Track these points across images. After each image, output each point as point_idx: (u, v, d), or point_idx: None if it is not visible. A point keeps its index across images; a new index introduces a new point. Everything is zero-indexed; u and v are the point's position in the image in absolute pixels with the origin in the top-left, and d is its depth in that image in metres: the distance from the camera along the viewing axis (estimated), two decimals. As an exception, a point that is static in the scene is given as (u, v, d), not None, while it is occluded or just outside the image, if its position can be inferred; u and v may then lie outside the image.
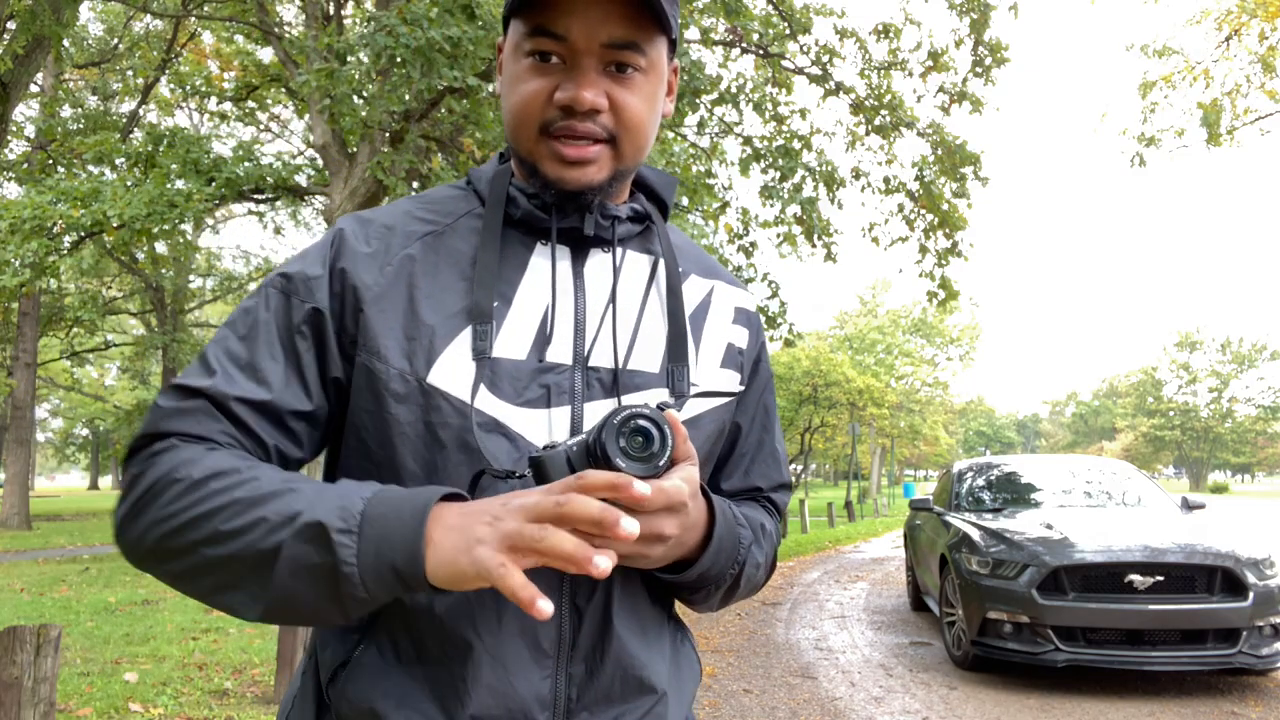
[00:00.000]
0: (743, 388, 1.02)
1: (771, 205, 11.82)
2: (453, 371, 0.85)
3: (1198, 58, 12.94)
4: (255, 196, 12.59)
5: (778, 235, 12.03)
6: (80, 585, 9.71)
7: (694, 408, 0.95)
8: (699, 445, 0.92)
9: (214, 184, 10.86)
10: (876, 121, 11.53)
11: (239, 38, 17.87)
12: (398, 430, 0.85)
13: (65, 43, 17.31)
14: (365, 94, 9.36)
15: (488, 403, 0.85)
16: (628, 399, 0.90)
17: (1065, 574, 5.52)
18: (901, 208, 12.05)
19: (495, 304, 0.88)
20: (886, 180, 12.00)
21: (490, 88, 9.16)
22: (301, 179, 13.07)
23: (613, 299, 0.92)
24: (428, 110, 10.17)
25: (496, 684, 0.83)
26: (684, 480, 0.77)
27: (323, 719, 0.88)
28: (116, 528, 0.81)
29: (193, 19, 18.53)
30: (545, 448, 0.79)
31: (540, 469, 0.77)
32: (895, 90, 11.62)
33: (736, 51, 11.82)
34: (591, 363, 0.90)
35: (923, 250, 11.99)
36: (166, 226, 10.22)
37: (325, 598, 0.73)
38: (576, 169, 0.87)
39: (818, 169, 11.59)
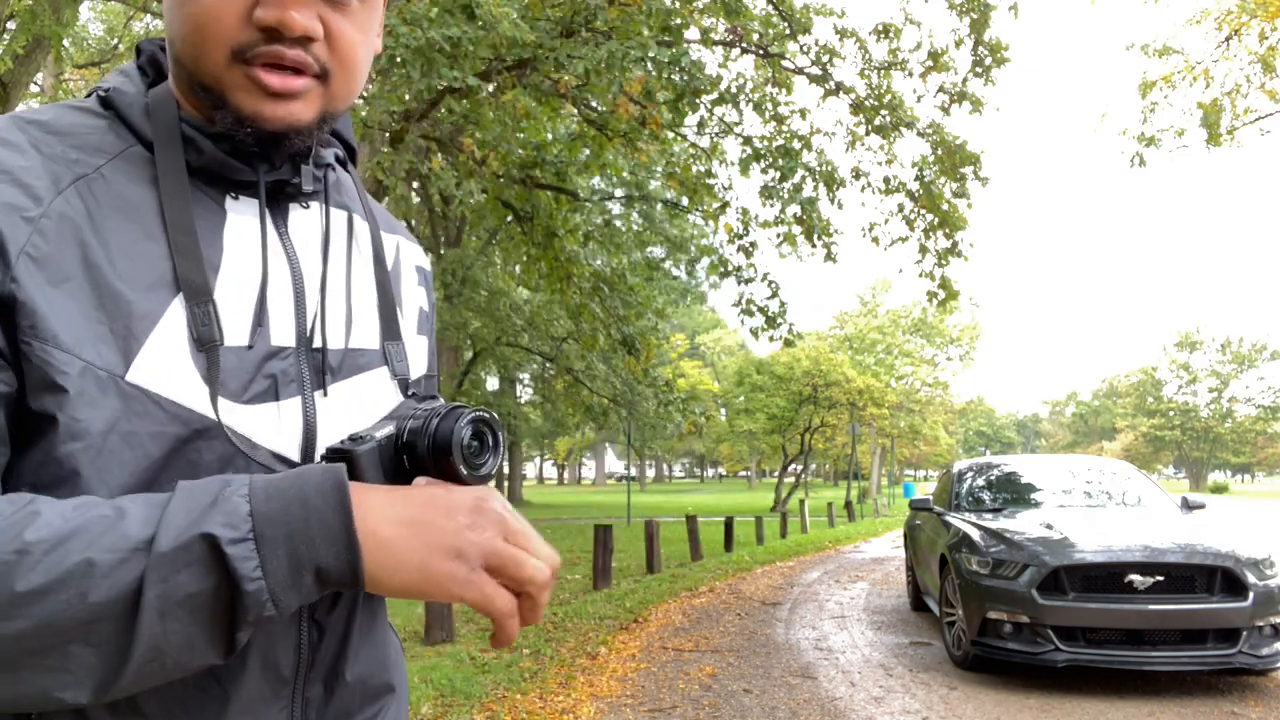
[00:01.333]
0: (429, 353, 0.94)
1: (771, 205, 11.81)
2: (164, 366, 0.67)
3: (1198, 58, 12.94)
4: (255, 196, 12.59)
5: (778, 235, 12.02)
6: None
7: (412, 375, 0.87)
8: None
9: (214, 184, 10.86)
10: (876, 121, 11.52)
11: (239, 38, 17.90)
12: (86, 441, 0.64)
13: (65, 43, 17.30)
14: (365, 94, 9.36)
15: (206, 405, 0.69)
16: (350, 383, 0.80)
17: (1065, 574, 5.53)
18: (901, 208, 12.05)
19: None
20: (886, 180, 11.99)
21: (490, 87, 9.17)
22: (301, 179, 13.06)
23: (325, 262, 0.80)
24: (428, 110, 10.17)
25: None
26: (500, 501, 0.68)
27: None
28: None
29: (193, 19, 18.51)
30: (350, 439, 0.70)
31: (351, 464, 0.67)
32: (895, 90, 11.61)
33: (736, 51, 11.82)
34: (317, 343, 0.77)
35: (923, 250, 11.98)
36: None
37: (207, 635, 0.59)
38: (282, 104, 0.72)
39: (818, 169, 11.59)
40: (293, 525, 0.60)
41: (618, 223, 16.27)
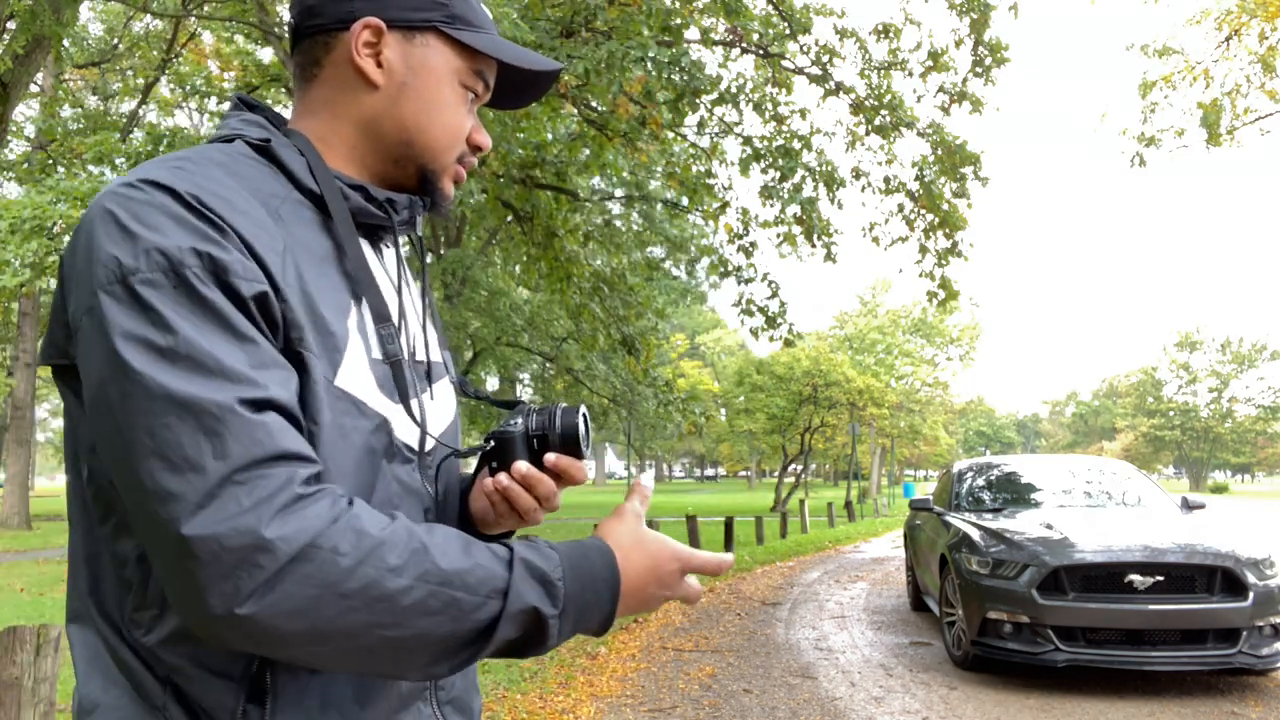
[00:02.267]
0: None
1: (771, 205, 11.81)
2: (356, 375, 0.84)
3: (1198, 58, 12.94)
4: (255, 196, 12.60)
5: (778, 235, 12.02)
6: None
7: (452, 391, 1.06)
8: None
9: (214, 184, 10.87)
10: (876, 121, 11.52)
11: (239, 38, 17.89)
12: (324, 431, 0.79)
13: (65, 43, 17.29)
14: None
15: (381, 403, 0.86)
16: (437, 387, 1.00)
17: (1065, 574, 5.53)
18: (901, 208, 12.04)
19: (354, 304, 0.88)
20: (886, 180, 11.99)
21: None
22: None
23: (424, 292, 1.03)
24: (428, 110, 10.15)
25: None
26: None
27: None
28: (245, 605, 0.68)
29: (193, 19, 18.52)
30: (503, 427, 0.95)
31: (504, 444, 0.94)
32: (895, 90, 11.60)
33: (736, 51, 11.82)
34: (418, 357, 0.97)
35: (923, 250, 11.98)
36: (166, 226, 10.22)
37: (481, 654, 0.79)
38: (454, 189, 1.01)
39: (818, 169, 11.58)
40: (585, 604, 0.81)
41: (618, 223, 16.29)
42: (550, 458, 0.93)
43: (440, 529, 0.79)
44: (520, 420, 0.96)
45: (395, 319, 0.91)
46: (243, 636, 0.70)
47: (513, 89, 1.03)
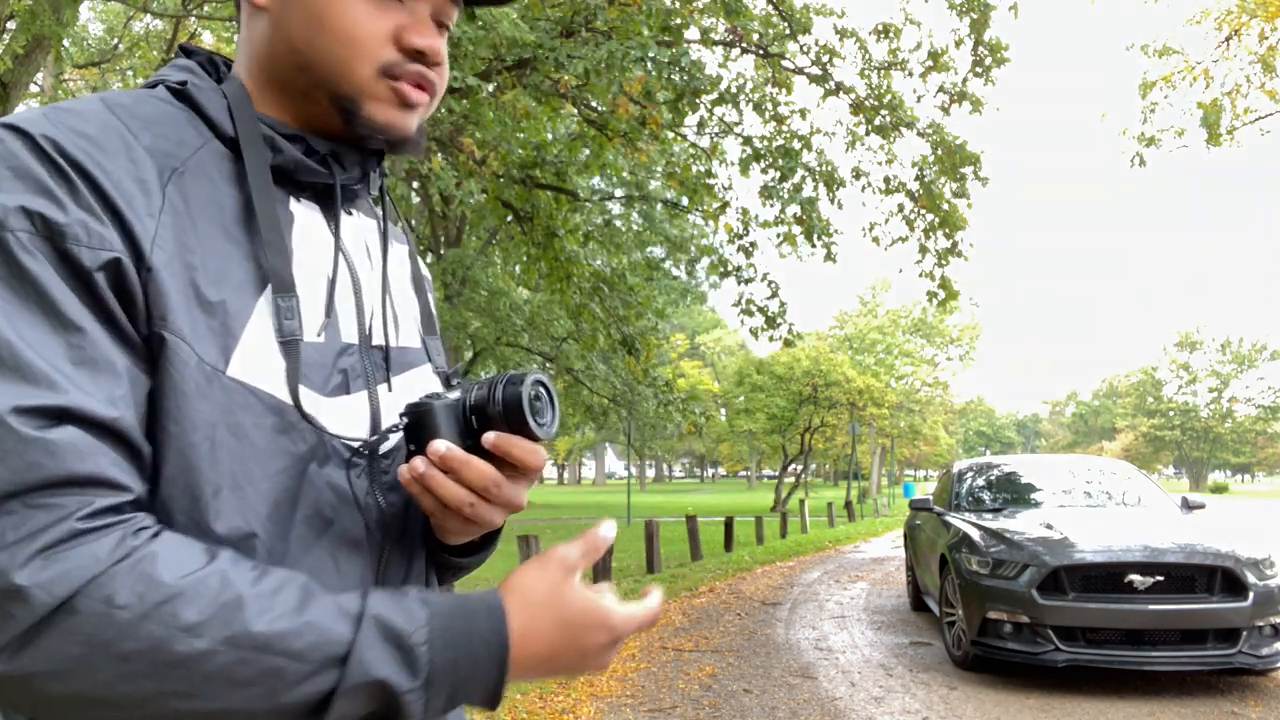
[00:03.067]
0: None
1: (771, 205, 11.81)
2: (258, 361, 0.69)
3: (1198, 58, 12.93)
4: (255, 196, 12.58)
5: (778, 235, 12.02)
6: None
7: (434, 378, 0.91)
8: None
9: (214, 184, 10.86)
10: (876, 121, 11.52)
11: (239, 37, 17.88)
12: (198, 432, 0.66)
13: (65, 43, 17.30)
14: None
15: (289, 397, 0.71)
16: (403, 378, 0.85)
17: (1065, 574, 5.52)
18: (901, 208, 12.04)
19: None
20: (886, 180, 11.99)
21: (490, 87, 9.17)
22: (301, 179, 13.04)
23: (384, 267, 0.85)
24: (428, 110, 10.14)
25: None
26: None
27: None
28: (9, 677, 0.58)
29: (193, 19, 18.52)
30: (426, 397, 0.77)
31: (425, 419, 0.75)
32: (895, 90, 11.61)
33: (736, 51, 11.82)
34: (375, 341, 0.82)
35: (923, 250, 11.98)
36: (166, 226, 10.22)
37: None
38: (408, 114, 0.79)
39: (818, 169, 11.58)
40: (459, 675, 0.66)
41: (618, 223, 16.29)
42: (489, 437, 0.73)
43: (276, 574, 0.63)
44: (458, 393, 0.77)
45: (328, 294, 0.77)
46: (5, 698, 0.59)
47: None
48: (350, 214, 0.84)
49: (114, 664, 0.57)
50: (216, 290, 0.68)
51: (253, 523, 0.68)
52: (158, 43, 21.17)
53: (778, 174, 11.35)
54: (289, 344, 0.71)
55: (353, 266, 0.82)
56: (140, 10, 15.96)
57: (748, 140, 11.65)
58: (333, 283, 0.78)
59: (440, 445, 0.72)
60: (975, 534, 6.34)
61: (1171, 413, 76.38)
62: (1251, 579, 5.41)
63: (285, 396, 0.71)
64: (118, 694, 0.58)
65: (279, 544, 0.70)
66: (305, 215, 0.79)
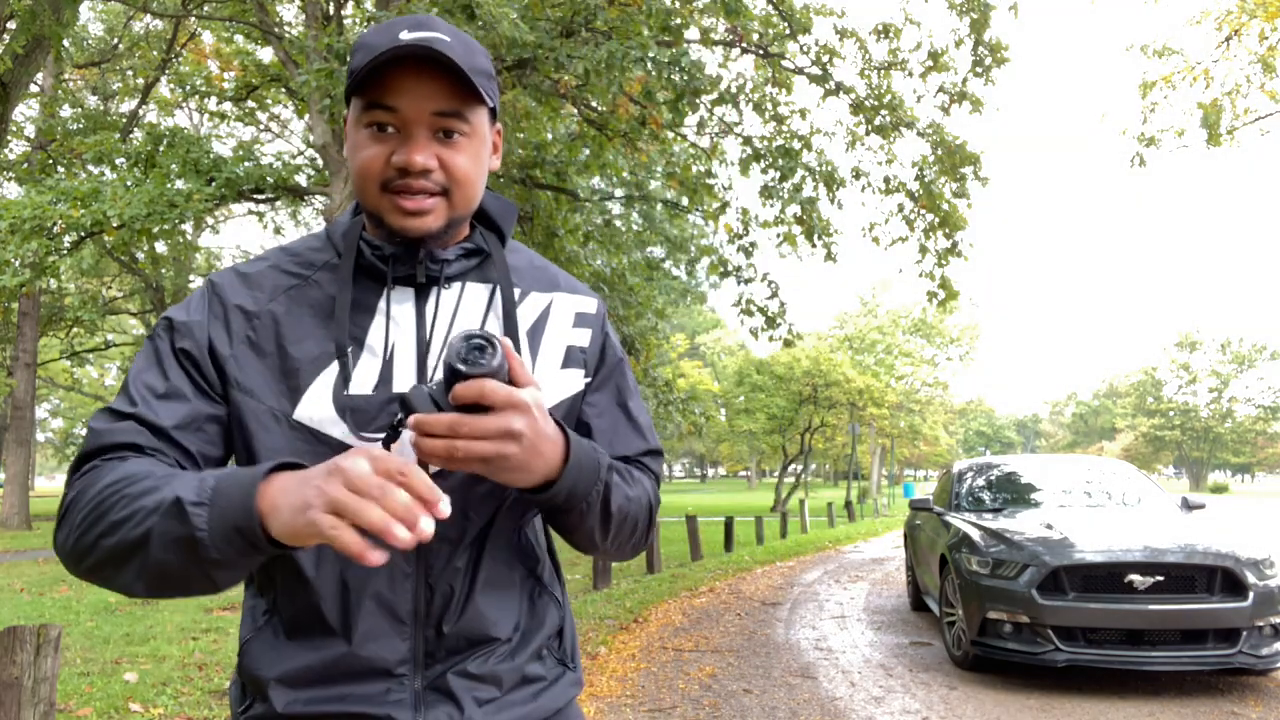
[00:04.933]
0: (588, 379, 1.17)
1: (771, 205, 11.82)
2: (315, 408, 1.02)
3: (1198, 58, 12.93)
4: (255, 196, 12.59)
5: (778, 235, 12.03)
6: (80, 585, 9.70)
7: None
8: None
9: (214, 184, 10.86)
10: (876, 121, 11.52)
11: (239, 38, 17.87)
12: (265, 455, 1.01)
13: (65, 43, 17.30)
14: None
15: (342, 433, 1.02)
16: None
17: (1065, 574, 5.52)
18: (901, 208, 12.05)
19: (350, 347, 1.04)
20: (886, 180, 11.99)
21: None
22: (301, 179, 13.06)
23: (448, 331, 1.08)
24: (428, 110, 10.13)
25: (363, 648, 1.02)
26: (529, 391, 0.91)
27: (243, 684, 1.08)
28: (57, 552, 0.97)
29: (193, 19, 18.52)
30: (413, 388, 0.91)
31: (406, 402, 0.90)
32: (895, 90, 11.61)
33: (736, 51, 11.82)
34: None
35: (923, 250, 11.98)
36: (166, 226, 10.22)
37: (190, 565, 0.87)
38: (415, 219, 1.03)
39: (818, 169, 11.58)
40: (229, 496, 0.85)
41: (618, 223, 16.26)
42: (457, 388, 0.89)
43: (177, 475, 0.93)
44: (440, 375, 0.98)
45: (381, 353, 1.05)
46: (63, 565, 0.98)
47: (415, 64, 1.00)
48: (448, 288, 1.10)
49: (77, 525, 0.93)
50: (297, 361, 1.03)
51: None
52: (158, 43, 21.16)
53: (778, 174, 11.36)
54: (338, 396, 1.02)
55: (423, 332, 1.07)
56: (140, 10, 15.95)
57: (748, 140, 11.65)
58: (386, 345, 1.05)
59: (411, 419, 0.89)
60: (975, 534, 6.34)
61: (1171, 413, 76.37)
62: (1251, 579, 5.41)
63: (333, 433, 1.01)
64: (85, 542, 0.91)
65: None
66: (397, 299, 1.07)
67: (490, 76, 1.06)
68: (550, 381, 1.11)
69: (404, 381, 1.04)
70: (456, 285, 1.10)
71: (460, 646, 1.06)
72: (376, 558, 0.79)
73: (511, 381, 0.91)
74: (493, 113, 1.09)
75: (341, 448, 0.98)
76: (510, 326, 1.09)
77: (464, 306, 1.09)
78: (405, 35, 0.99)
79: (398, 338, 1.05)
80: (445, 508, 0.80)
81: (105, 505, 0.90)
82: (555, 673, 1.14)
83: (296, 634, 1.03)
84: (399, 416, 0.92)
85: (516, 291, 1.14)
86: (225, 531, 0.84)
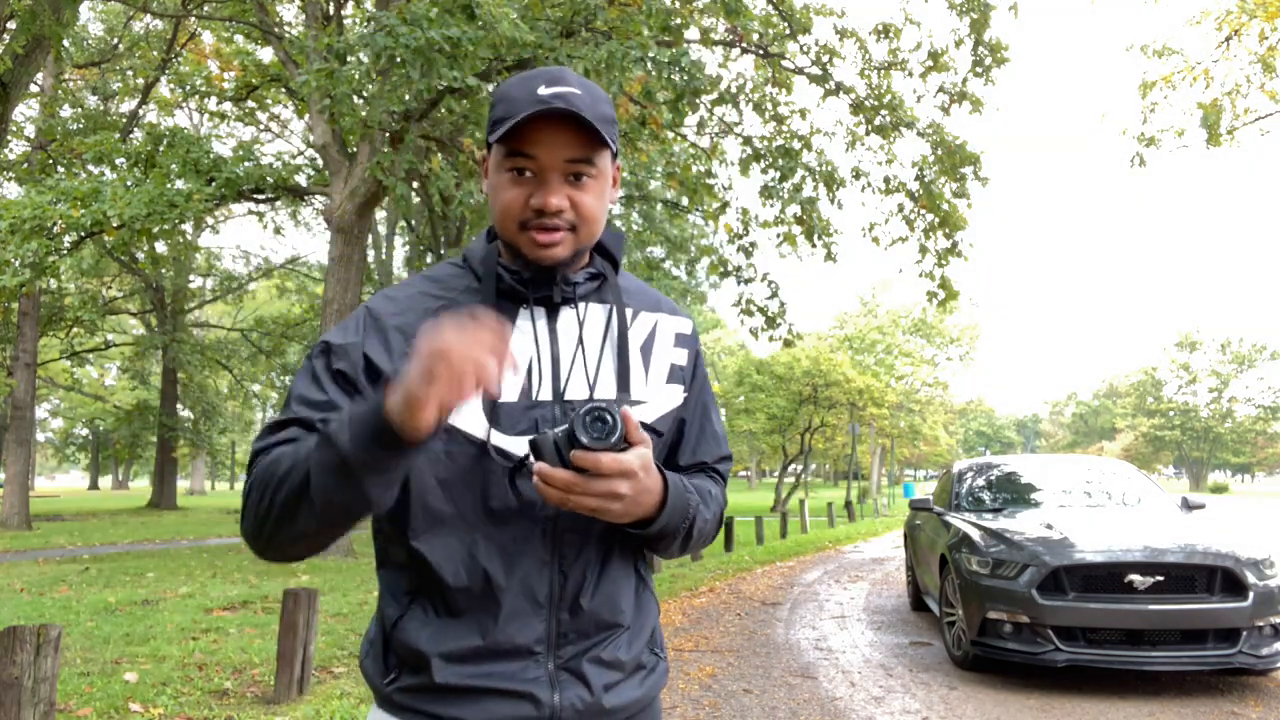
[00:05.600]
0: (686, 394, 1.34)
1: (771, 205, 11.82)
2: (468, 415, 1.15)
3: (1198, 58, 12.93)
4: (255, 196, 12.58)
5: (778, 235, 12.03)
6: (80, 585, 9.70)
7: (649, 414, 1.28)
8: (659, 439, 1.28)
9: (214, 184, 10.86)
10: (876, 121, 11.51)
11: (239, 38, 17.87)
12: (428, 457, 1.14)
13: (65, 43, 17.28)
14: (365, 94, 9.35)
15: (487, 434, 1.15)
16: None
17: (1065, 574, 5.52)
18: (901, 208, 12.05)
19: None
20: (886, 180, 11.99)
21: (490, 87, 9.16)
22: (301, 179, 13.05)
23: (577, 346, 1.23)
24: (427, 110, 10.15)
25: (506, 628, 1.15)
26: (636, 456, 1.06)
27: (388, 657, 1.21)
28: (243, 534, 1.14)
29: (193, 19, 18.53)
30: (540, 432, 1.09)
31: (535, 447, 1.08)
32: (895, 90, 11.61)
33: (736, 51, 11.82)
34: (567, 396, 1.20)
35: (923, 250, 11.98)
36: (166, 226, 10.22)
37: (347, 484, 1.01)
38: (547, 250, 1.18)
39: (818, 169, 11.59)
40: (361, 415, 0.99)
41: (618, 223, 16.27)
42: (574, 454, 1.05)
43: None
44: (561, 428, 1.10)
45: (529, 369, 1.19)
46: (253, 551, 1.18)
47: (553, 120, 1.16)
48: (574, 308, 1.25)
49: (254, 502, 1.10)
50: None
51: (446, 507, 1.16)
52: (158, 43, 21.16)
53: (778, 174, 11.36)
54: (487, 404, 1.16)
55: (556, 346, 1.22)
56: (140, 10, 15.95)
57: (748, 140, 11.66)
58: (536, 360, 1.20)
59: (535, 466, 1.07)
60: (975, 534, 6.34)
61: (1171, 413, 76.35)
62: (1251, 579, 5.40)
63: (479, 434, 1.15)
64: (262, 508, 1.08)
65: (475, 521, 1.15)
66: (525, 320, 1.22)
67: (612, 122, 1.20)
68: (657, 395, 1.28)
69: (543, 391, 1.19)
70: (582, 305, 1.26)
71: (589, 630, 1.20)
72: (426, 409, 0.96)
73: (627, 439, 1.06)
74: (614, 154, 1.24)
75: (486, 447, 1.15)
76: (622, 345, 1.26)
77: (588, 324, 1.25)
78: (543, 91, 1.14)
79: (534, 351, 1.21)
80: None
81: (271, 472, 1.07)
82: (652, 661, 1.29)
83: (451, 614, 1.16)
84: (527, 454, 1.11)
85: (630, 312, 1.31)
86: (364, 439, 0.98)
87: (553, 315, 1.24)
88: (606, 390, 1.24)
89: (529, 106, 1.13)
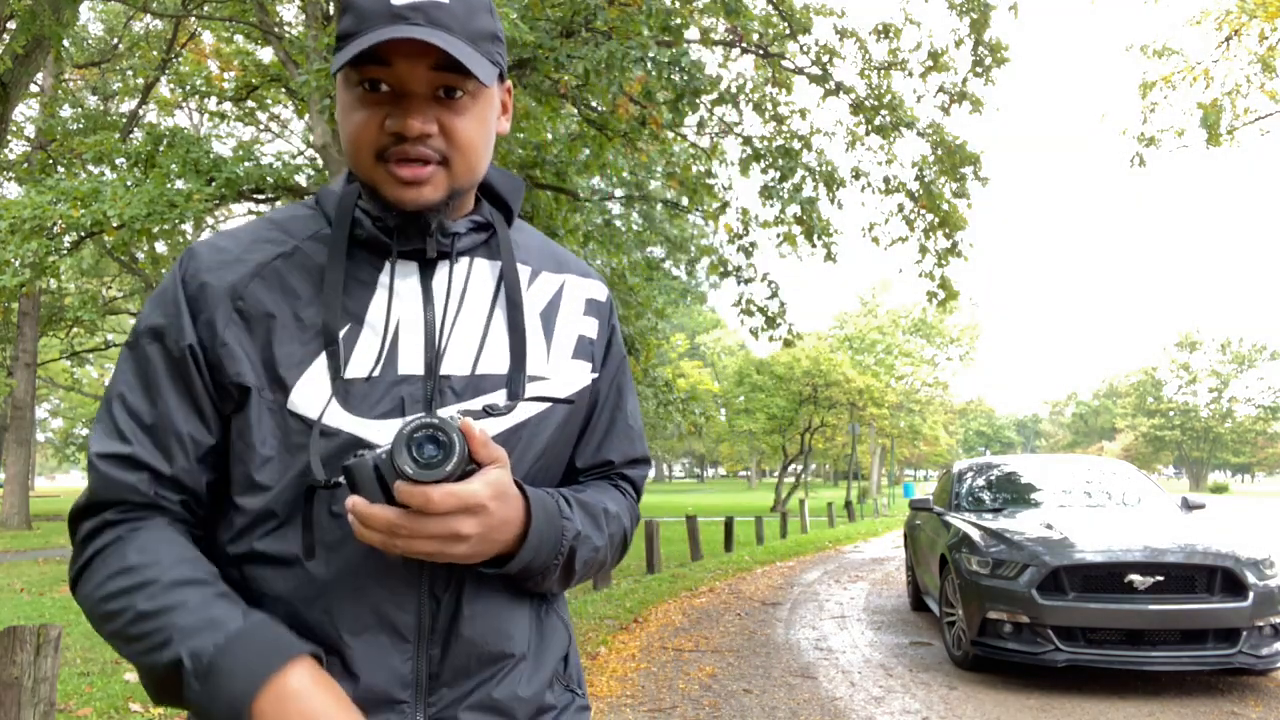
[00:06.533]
0: (595, 374, 1.08)
1: (771, 205, 11.82)
2: (310, 394, 0.91)
3: (1198, 58, 12.93)
4: (255, 196, 12.58)
5: (778, 235, 12.02)
6: (80, 585, 9.69)
7: (556, 388, 1.02)
8: (545, 437, 1.01)
9: (214, 184, 10.86)
10: (876, 121, 11.51)
11: (239, 38, 17.87)
12: (260, 451, 0.92)
13: (65, 43, 17.29)
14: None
15: (342, 419, 0.91)
16: (475, 402, 0.96)
17: (1065, 574, 5.52)
18: (901, 208, 12.05)
19: (348, 325, 0.93)
20: (886, 180, 11.99)
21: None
22: (301, 179, 13.05)
23: (458, 310, 0.98)
24: (428, 110, 10.11)
25: (363, 673, 0.91)
26: (484, 484, 0.84)
27: None
28: (70, 582, 0.95)
29: (193, 19, 18.52)
30: (356, 455, 0.85)
31: (349, 476, 0.84)
32: (895, 90, 11.60)
33: (736, 51, 11.82)
34: (443, 371, 0.95)
35: (923, 250, 11.98)
36: (166, 226, 10.22)
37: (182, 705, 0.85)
38: (413, 189, 0.92)
39: (818, 169, 11.59)
40: (224, 683, 0.81)
41: (618, 223, 16.26)
42: (397, 487, 0.82)
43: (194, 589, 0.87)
44: (378, 450, 0.86)
45: (382, 333, 0.94)
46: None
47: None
48: (454, 264, 0.99)
49: (93, 602, 0.90)
50: (287, 345, 0.92)
51: (274, 504, 0.91)
52: (158, 43, 21.16)
53: (778, 174, 11.36)
54: (335, 380, 0.91)
55: (431, 310, 0.96)
56: (140, 10, 15.95)
57: (748, 140, 11.66)
58: (386, 326, 0.94)
59: (348, 502, 0.84)
60: (975, 534, 6.34)
61: (1171, 413, 76.36)
62: (1251, 579, 5.41)
63: (333, 421, 0.91)
64: (99, 626, 0.91)
65: (297, 516, 0.91)
66: (388, 277, 0.96)
67: (495, 37, 0.94)
68: (562, 371, 1.03)
69: (410, 363, 0.94)
70: (465, 260, 1.01)
71: (469, 667, 0.94)
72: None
73: (474, 459, 0.84)
74: (501, 73, 0.97)
75: (345, 438, 0.90)
76: (514, 311, 1.00)
77: (473, 283, 1.00)
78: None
79: (402, 314, 0.95)
80: None
81: (117, 604, 0.87)
82: (566, 699, 1.04)
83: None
84: (339, 478, 0.86)
85: (528, 271, 1.06)
86: (211, 710, 0.81)
87: (427, 272, 0.98)
88: (497, 364, 0.98)
89: (381, 22, 0.88)
